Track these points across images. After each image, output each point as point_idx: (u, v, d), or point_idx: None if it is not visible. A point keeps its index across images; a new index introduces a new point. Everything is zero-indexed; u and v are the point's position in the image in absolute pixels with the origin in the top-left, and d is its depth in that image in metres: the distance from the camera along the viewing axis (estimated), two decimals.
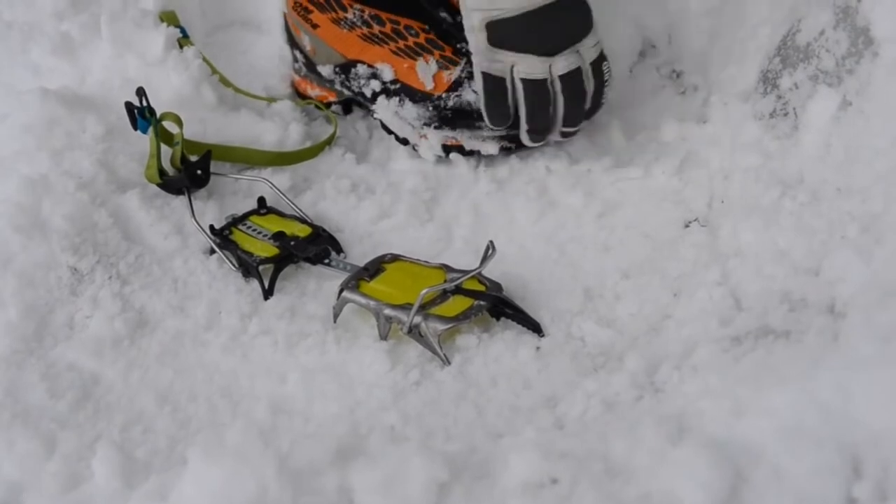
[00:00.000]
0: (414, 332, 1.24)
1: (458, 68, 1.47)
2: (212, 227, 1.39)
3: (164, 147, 1.45)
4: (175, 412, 1.20)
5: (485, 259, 1.26)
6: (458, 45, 1.49)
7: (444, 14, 1.53)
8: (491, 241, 1.26)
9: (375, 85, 1.54)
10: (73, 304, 1.30)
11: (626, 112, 1.56)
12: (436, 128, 1.48)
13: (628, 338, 1.24)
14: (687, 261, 1.31)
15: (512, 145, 1.48)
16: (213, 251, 1.38)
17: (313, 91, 1.66)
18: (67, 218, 1.34)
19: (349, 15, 1.54)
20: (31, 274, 1.29)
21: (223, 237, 1.39)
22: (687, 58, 1.57)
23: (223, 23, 1.75)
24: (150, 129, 1.43)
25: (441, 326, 1.23)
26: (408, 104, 1.50)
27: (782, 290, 1.16)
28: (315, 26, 1.58)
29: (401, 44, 1.51)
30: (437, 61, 1.49)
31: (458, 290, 1.27)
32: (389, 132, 1.56)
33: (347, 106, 1.66)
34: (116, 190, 1.42)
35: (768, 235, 1.20)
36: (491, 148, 1.48)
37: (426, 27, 1.51)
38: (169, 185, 1.44)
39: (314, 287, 1.35)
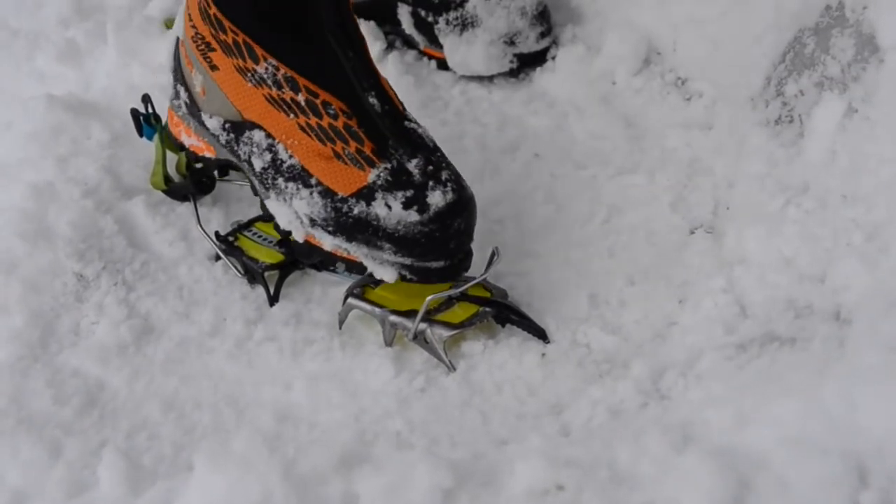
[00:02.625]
0: (419, 338, 1.24)
1: (375, 172, 1.21)
2: (217, 233, 1.39)
3: (169, 154, 1.45)
4: (180, 419, 1.20)
5: (490, 265, 1.26)
6: (381, 142, 1.22)
7: (373, 100, 1.24)
8: (496, 248, 1.26)
9: (268, 159, 1.25)
10: (79, 311, 1.30)
11: (632, 118, 1.57)
12: (329, 232, 1.23)
13: (633, 345, 1.24)
14: (692, 268, 1.31)
15: (413, 278, 1.23)
16: (218, 257, 1.38)
17: (188, 138, 1.36)
18: (73, 224, 1.35)
19: (259, 68, 1.23)
20: (36, 280, 1.30)
21: (228, 243, 1.38)
22: (692, 64, 1.57)
23: None
24: (156, 136, 1.43)
25: (446, 333, 1.23)
26: (302, 194, 1.23)
27: (787, 297, 1.16)
28: (214, 68, 1.28)
29: (313, 121, 1.22)
30: (351, 155, 1.22)
31: (464, 297, 1.27)
32: (269, 217, 1.31)
33: (224, 169, 1.40)
34: (122, 197, 1.42)
35: (773, 243, 1.20)
36: (387, 274, 1.23)
37: (349, 110, 1.22)
38: (174, 191, 1.44)
39: (319, 293, 1.35)
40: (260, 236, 1.39)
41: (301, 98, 1.23)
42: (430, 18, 1.67)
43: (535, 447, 1.03)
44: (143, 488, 1.07)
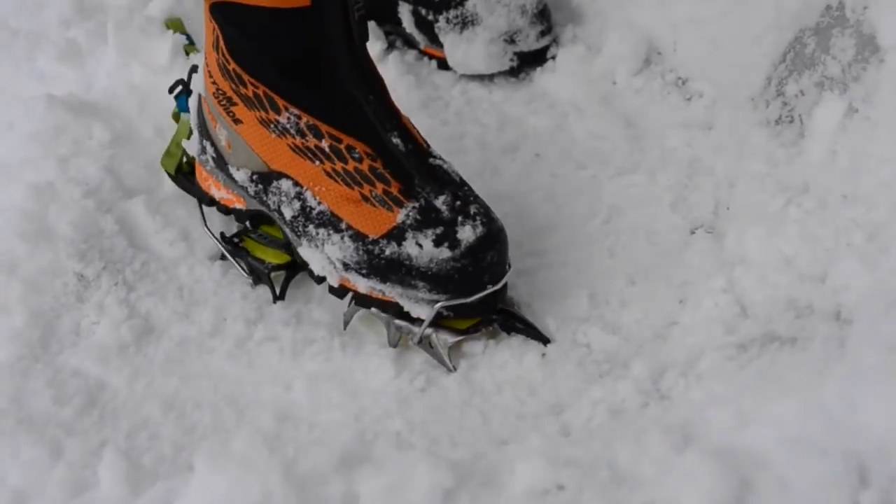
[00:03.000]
0: (424, 342, 1.24)
1: (404, 212, 1.22)
2: (222, 234, 1.39)
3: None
4: (181, 419, 1.20)
5: None
6: (408, 182, 1.23)
7: (396, 140, 1.25)
8: None
9: (297, 207, 1.26)
10: (79, 311, 1.30)
11: (632, 119, 1.56)
12: (363, 275, 1.24)
13: (634, 345, 1.24)
14: (692, 268, 1.31)
15: (450, 314, 1.23)
16: (223, 257, 1.37)
17: (218, 192, 1.36)
18: (73, 225, 1.35)
19: (282, 119, 1.24)
20: (36, 280, 1.30)
21: (234, 244, 1.38)
22: (692, 64, 1.57)
23: None
24: (186, 115, 1.41)
25: (451, 338, 1.23)
26: (333, 239, 1.24)
27: (788, 297, 1.16)
28: (237, 121, 1.28)
29: (338, 166, 1.23)
30: (378, 197, 1.23)
31: None
32: (304, 265, 1.30)
33: (256, 220, 1.36)
34: (122, 197, 1.42)
35: (774, 243, 1.20)
36: (423, 311, 1.23)
37: (373, 152, 1.23)
38: (180, 182, 1.42)
39: (320, 293, 1.35)
40: (265, 238, 1.37)
41: (325, 144, 1.23)
42: (431, 17, 1.67)
43: (536, 447, 1.03)
44: (143, 488, 1.07)
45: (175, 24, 1.61)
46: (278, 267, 1.34)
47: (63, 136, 1.45)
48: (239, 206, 1.35)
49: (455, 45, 1.65)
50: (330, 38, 1.23)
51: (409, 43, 1.72)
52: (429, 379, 1.23)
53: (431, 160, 1.26)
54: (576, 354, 1.23)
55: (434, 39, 1.68)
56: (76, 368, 1.24)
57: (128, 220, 1.40)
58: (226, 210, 1.37)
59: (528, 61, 1.66)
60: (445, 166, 1.27)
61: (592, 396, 1.16)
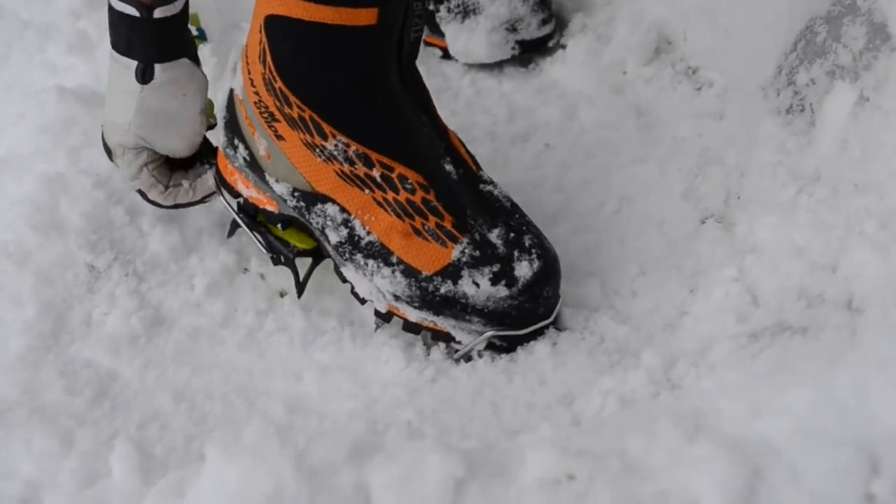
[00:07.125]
0: (463, 358, 1.24)
1: (459, 248, 1.18)
2: (240, 203, 1.30)
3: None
4: (192, 409, 1.21)
5: None
6: (461, 215, 1.19)
7: (449, 167, 1.21)
8: None
9: (344, 234, 1.21)
10: (91, 302, 1.30)
11: (642, 108, 1.56)
12: (414, 307, 1.20)
13: (645, 334, 1.24)
14: (703, 257, 1.30)
15: (504, 344, 1.23)
16: (231, 234, 1.35)
17: (247, 189, 1.27)
18: (84, 215, 1.35)
19: (328, 145, 1.17)
20: (48, 272, 1.30)
21: (252, 218, 1.30)
22: (703, 54, 1.57)
23: (239, 20, 1.75)
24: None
25: (494, 355, 1.23)
26: (384, 273, 1.20)
27: (799, 286, 1.16)
28: (279, 137, 1.20)
29: (389, 195, 1.17)
30: (431, 231, 1.19)
31: None
32: (351, 288, 1.26)
33: (287, 223, 1.28)
34: (133, 187, 1.42)
35: (785, 232, 1.20)
36: (479, 344, 1.22)
37: (426, 183, 1.18)
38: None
39: (330, 283, 1.35)
40: None
41: (376, 173, 1.17)
42: (432, 7, 1.67)
43: (547, 437, 1.02)
44: (154, 478, 1.07)
45: (192, 19, 1.61)
46: (305, 252, 1.28)
47: (74, 128, 1.45)
48: (270, 208, 1.27)
49: (457, 34, 1.65)
50: (387, 59, 1.18)
51: None
52: (439, 369, 1.23)
53: (482, 186, 1.23)
54: (586, 344, 1.23)
55: (434, 29, 1.68)
56: (88, 359, 1.25)
57: (138, 211, 1.40)
58: (253, 209, 1.29)
59: (529, 49, 1.66)
60: (496, 192, 1.24)
61: (603, 386, 1.16)
